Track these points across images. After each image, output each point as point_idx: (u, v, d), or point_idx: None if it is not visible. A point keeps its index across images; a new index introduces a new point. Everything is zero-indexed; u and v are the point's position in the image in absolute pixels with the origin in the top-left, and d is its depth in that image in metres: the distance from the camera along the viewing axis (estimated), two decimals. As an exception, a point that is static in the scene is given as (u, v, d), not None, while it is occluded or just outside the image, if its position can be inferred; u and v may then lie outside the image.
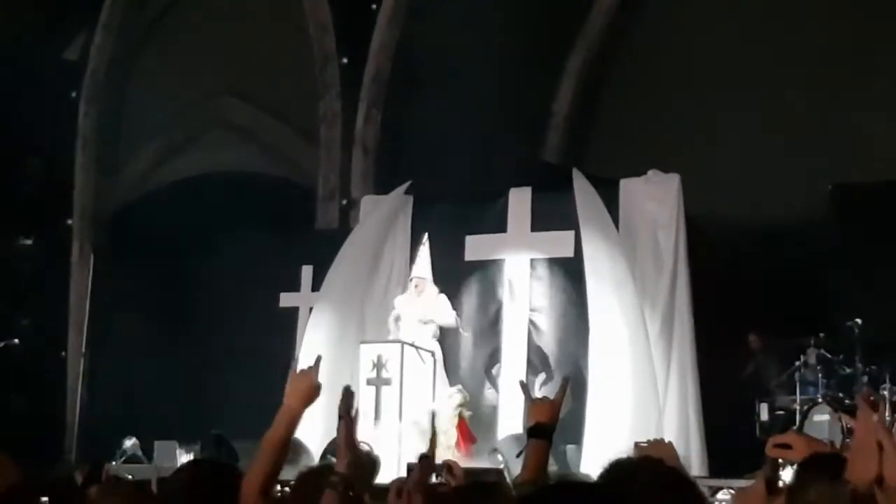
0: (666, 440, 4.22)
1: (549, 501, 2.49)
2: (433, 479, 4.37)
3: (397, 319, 12.18)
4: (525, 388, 4.64)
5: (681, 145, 14.48)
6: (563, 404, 4.02)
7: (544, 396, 4.02)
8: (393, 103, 15.45)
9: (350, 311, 12.92)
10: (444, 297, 12.33)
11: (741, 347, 12.83)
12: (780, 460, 3.08)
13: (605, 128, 16.58)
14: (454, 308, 12.41)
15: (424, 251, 12.52)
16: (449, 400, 11.83)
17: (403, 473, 4.67)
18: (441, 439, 11.43)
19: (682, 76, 15.34)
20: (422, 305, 12.27)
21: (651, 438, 4.36)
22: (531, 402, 3.98)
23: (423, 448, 11.11)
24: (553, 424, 3.89)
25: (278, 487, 4.80)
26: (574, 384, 11.52)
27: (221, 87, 16.78)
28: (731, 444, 11.00)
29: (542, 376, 12.15)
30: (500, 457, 10.71)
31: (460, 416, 11.78)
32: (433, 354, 12.10)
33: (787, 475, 3.07)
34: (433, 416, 11.67)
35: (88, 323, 15.42)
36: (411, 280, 12.43)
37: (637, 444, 4.33)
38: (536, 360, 12.28)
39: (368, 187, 15.08)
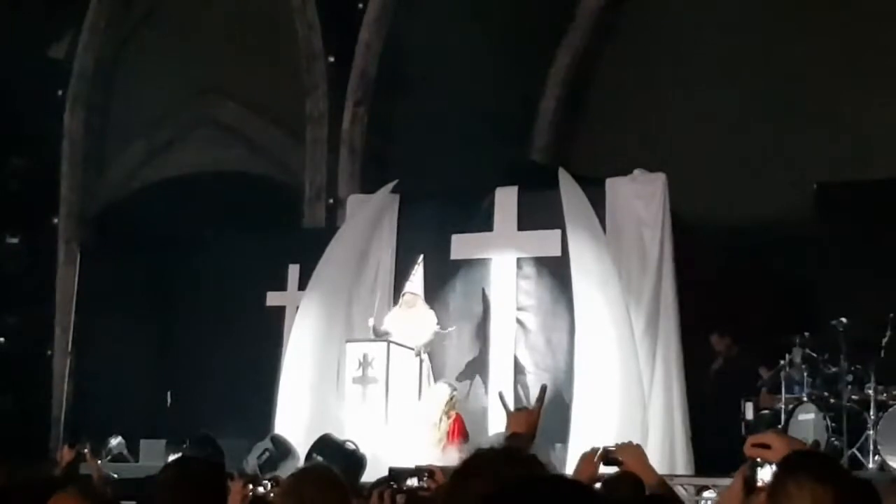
0: (635, 442, 4.22)
1: (518, 496, 2.49)
2: (415, 482, 4.38)
3: (386, 334, 12.13)
4: (503, 399, 4.63)
5: (667, 144, 14.51)
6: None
7: (524, 407, 4.02)
8: (380, 102, 15.44)
9: (336, 309, 12.91)
10: (432, 313, 12.31)
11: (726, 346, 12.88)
12: (759, 459, 3.10)
13: (591, 127, 16.60)
14: (441, 308, 12.43)
15: (419, 271, 12.51)
16: (435, 395, 11.81)
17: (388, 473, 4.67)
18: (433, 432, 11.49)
19: (667, 76, 15.37)
20: (410, 319, 12.26)
21: (619, 442, 4.36)
22: (509, 412, 3.99)
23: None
24: (531, 435, 3.89)
25: (268, 486, 4.80)
26: (560, 382, 11.56)
27: (208, 85, 16.75)
28: (716, 442, 11.02)
29: (525, 378, 12.17)
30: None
31: (453, 410, 11.75)
32: (419, 354, 12.11)
33: (766, 474, 3.09)
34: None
35: (74, 321, 15.39)
36: (403, 295, 12.42)
37: (605, 449, 4.33)
38: (523, 359, 12.29)
39: (355, 186, 15.07)
